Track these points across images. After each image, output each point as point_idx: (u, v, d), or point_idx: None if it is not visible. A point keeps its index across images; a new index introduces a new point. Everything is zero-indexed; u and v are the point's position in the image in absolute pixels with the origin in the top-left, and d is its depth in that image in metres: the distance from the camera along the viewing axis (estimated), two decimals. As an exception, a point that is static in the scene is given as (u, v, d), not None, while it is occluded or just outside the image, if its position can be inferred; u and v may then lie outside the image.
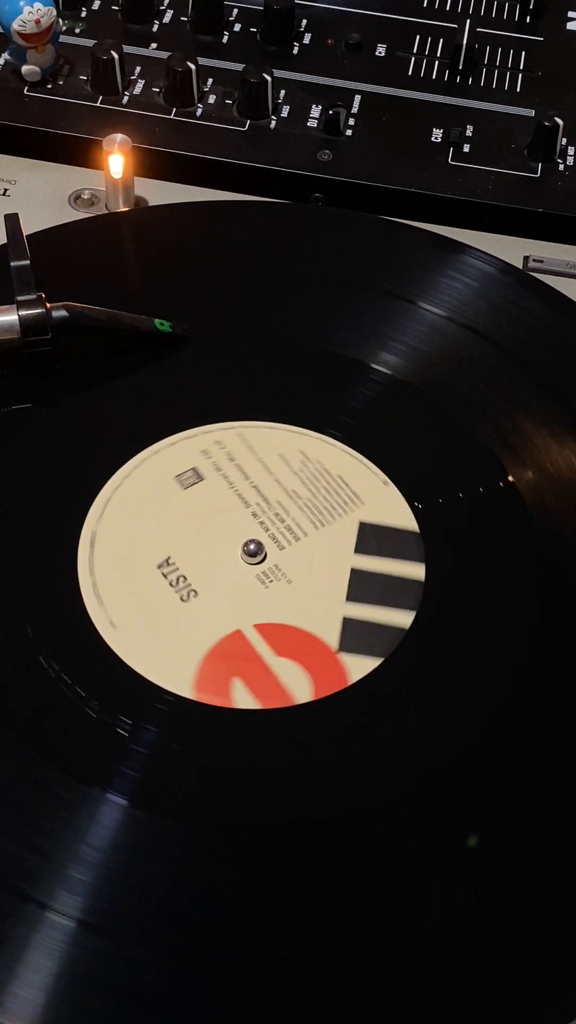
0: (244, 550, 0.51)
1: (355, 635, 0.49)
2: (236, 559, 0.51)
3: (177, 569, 0.51)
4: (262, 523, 0.52)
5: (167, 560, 0.51)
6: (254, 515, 0.52)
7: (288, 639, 0.49)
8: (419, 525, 0.52)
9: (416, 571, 0.50)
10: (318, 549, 0.52)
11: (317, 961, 0.42)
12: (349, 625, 0.49)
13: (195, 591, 0.50)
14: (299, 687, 0.48)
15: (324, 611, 0.50)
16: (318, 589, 0.51)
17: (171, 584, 0.50)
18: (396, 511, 0.53)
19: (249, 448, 0.54)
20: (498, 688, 0.48)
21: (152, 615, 0.50)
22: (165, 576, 0.50)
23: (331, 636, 0.49)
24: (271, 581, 0.51)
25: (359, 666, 0.48)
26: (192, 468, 0.53)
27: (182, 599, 0.50)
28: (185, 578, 0.50)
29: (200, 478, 0.53)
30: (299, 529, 0.52)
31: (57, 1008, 0.40)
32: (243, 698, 0.47)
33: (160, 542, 0.52)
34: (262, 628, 0.49)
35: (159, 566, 0.51)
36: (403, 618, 0.49)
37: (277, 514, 0.52)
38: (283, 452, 0.54)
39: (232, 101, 0.71)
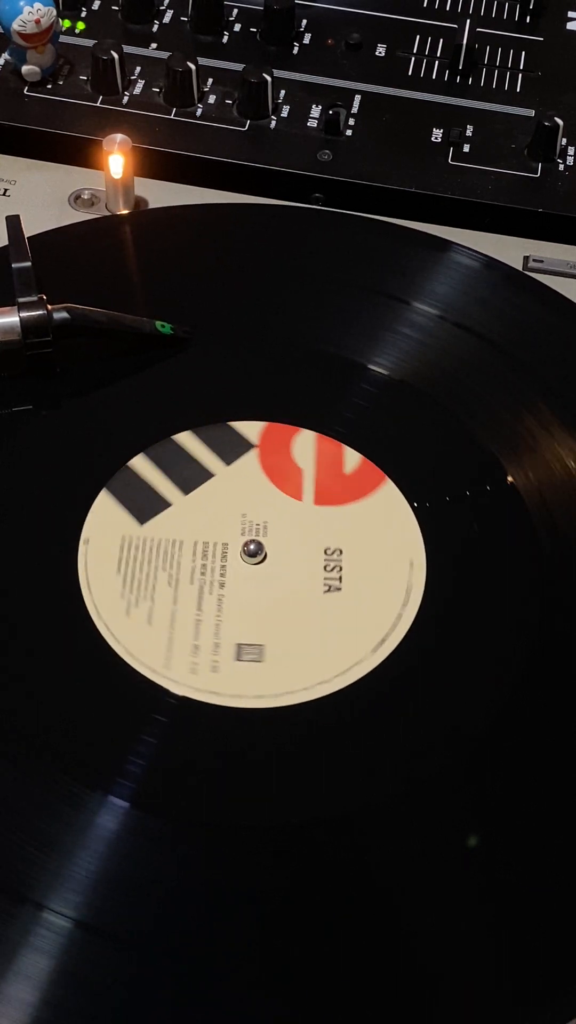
0: (244, 549, 0.51)
1: None
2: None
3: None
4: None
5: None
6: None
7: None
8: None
9: None
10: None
11: (317, 961, 0.42)
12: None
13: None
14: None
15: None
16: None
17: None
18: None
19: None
20: (498, 688, 0.48)
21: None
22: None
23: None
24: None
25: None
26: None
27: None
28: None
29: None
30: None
31: (54, 1009, 0.40)
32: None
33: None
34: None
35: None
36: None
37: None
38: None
39: (232, 101, 0.71)
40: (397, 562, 0.52)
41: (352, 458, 0.54)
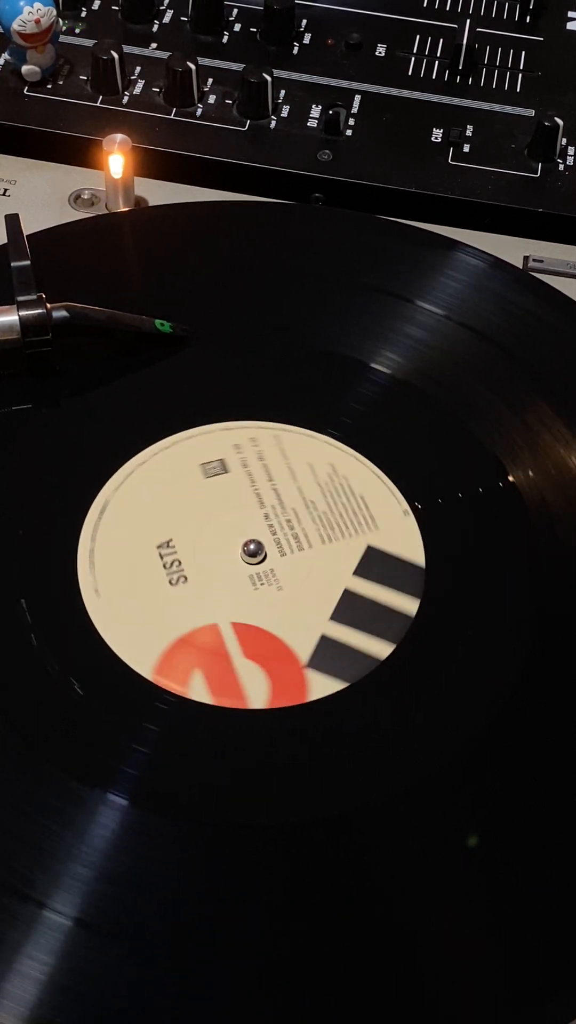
0: (244, 549, 0.51)
1: (327, 655, 0.49)
2: (235, 556, 0.51)
3: (175, 553, 0.51)
4: (271, 526, 0.52)
5: (168, 542, 0.51)
6: (266, 516, 0.52)
7: (260, 643, 0.49)
8: (425, 562, 0.51)
9: (409, 605, 0.50)
10: (318, 563, 0.51)
11: (317, 961, 0.42)
12: (325, 643, 0.49)
13: (185, 577, 0.50)
14: (256, 692, 0.47)
15: (305, 624, 0.49)
16: (306, 602, 0.50)
17: (164, 566, 0.50)
18: (408, 542, 0.52)
19: (281, 451, 0.54)
20: (498, 688, 0.48)
21: (138, 591, 0.50)
22: (161, 557, 0.50)
23: (304, 650, 0.49)
24: (262, 584, 0.51)
25: (321, 686, 0.48)
26: (220, 459, 0.53)
27: (171, 583, 0.50)
28: (180, 563, 0.50)
29: (225, 470, 0.53)
30: (305, 539, 0.52)
31: (55, 1008, 0.40)
32: (198, 690, 0.47)
33: (167, 523, 0.52)
34: (239, 627, 0.49)
35: (159, 546, 0.51)
36: (381, 648, 0.49)
37: (288, 520, 0.52)
38: (313, 461, 0.54)
39: (232, 101, 0.71)
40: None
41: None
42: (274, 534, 0.52)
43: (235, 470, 0.54)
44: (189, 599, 0.50)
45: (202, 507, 0.53)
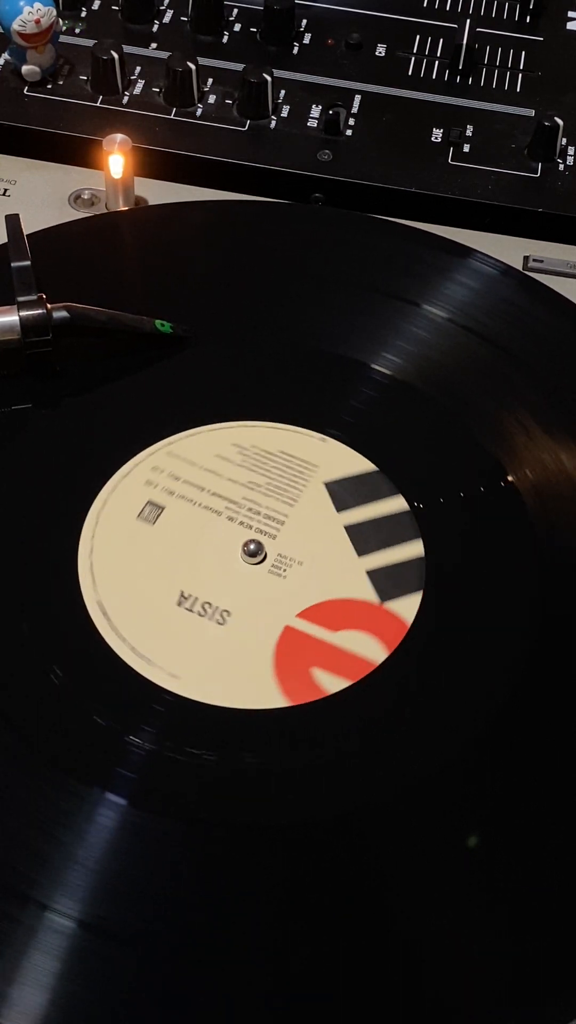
0: (244, 552, 0.51)
1: (387, 582, 0.50)
2: (242, 565, 0.51)
3: (197, 599, 0.50)
4: (242, 523, 0.52)
5: (182, 595, 0.50)
6: (231, 519, 0.52)
7: (335, 613, 0.50)
8: (377, 466, 0.54)
9: (398, 504, 0.52)
10: (305, 524, 0.52)
11: (317, 961, 0.42)
12: (376, 575, 0.50)
13: (227, 611, 0.50)
14: (370, 649, 0.49)
15: (347, 575, 0.51)
16: (329, 558, 0.51)
17: (200, 614, 0.50)
18: (347, 460, 0.54)
19: (186, 461, 0.54)
20: (498, 688, 0.48)
21: (202, 651, 0.49)
22: (191, 610, 0.50)
23: (367, 593, 0.50)
24: (285, 569, 0.51)
25: (408, 606, 0.49)
26: (147, 502, 0.53)
27: (219, 623, 0.50)
28: (210, 604, 0.50)
29: (160, 508, 0.53)
30: (277, 514, 0.52)
31: (57, 1009, 0.40)
32: (330, 682, 0.48)
33: (165, 582, 0.51)
34: (306, 614, 0.50)
35: (178, 603, 0.50)
36: (414, 548, 0.51)
37: (250, 509, 0.53)
38: (218, 451, 0.54)
39: (232, 101, 0.71)
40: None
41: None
42: (251, 527, 0.52)
43: (168, 502, 0.53)
44: (246, 626, 0.50)
45: (177, 550, 0.52)
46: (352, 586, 0.50)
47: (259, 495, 0.53)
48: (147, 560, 0.51)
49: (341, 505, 0.52)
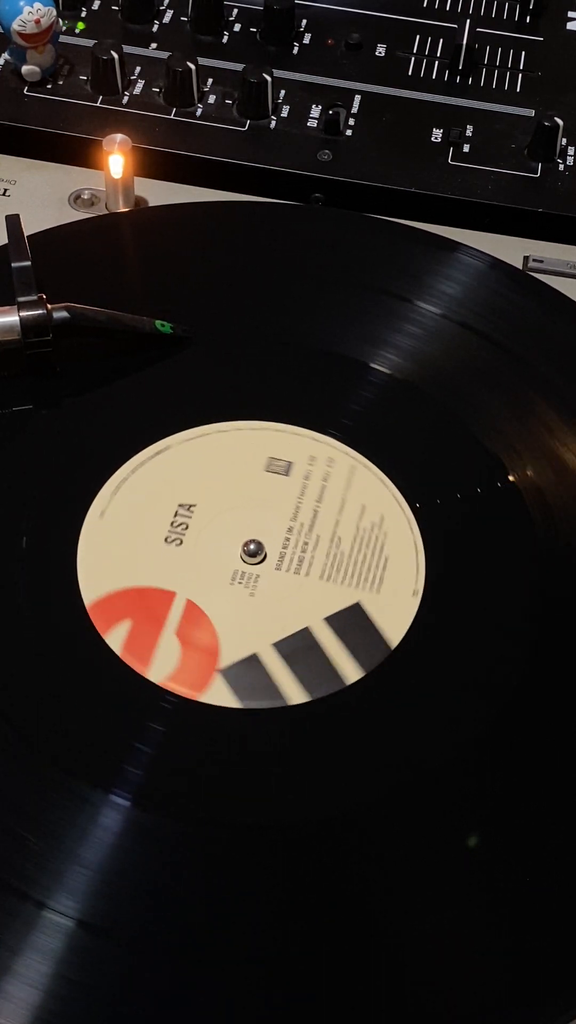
0: (244, 546, 0.51)
1: (246, 672, 0.48)
2: (235, 547, 0.51)
3: (189, 517, 0.52)
4: (287, 539, 0.52)
5: (190, 506, 0.52)
6: (289, 529, 0.52)
7: (197, 629, 0.49)
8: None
9: (350, 674, 0.48)
10: (302, 593, 0.50)
11: (317, 961, 0.42)
12: (251, 662, 0.48)
13: (180, 541, 0.51)
14: (160, 664, 0.48)
15: (248, 636, 0.49)
16: (264, 618, 0.50)
17: (171, 524, 0.51)
18: (395, 621, 0.50)
19: (347, 481, 0.54)
20: (499, 688, 0.48)
21: (139, 535, 0.51)
22: (176, 515, 0.52)
23: (229, 655, 0.49)
24: (239, 583, 0.51)
25: (218, 695, 0.47)
26: (290, 462, 0.54)
27: (166, 540, 0.51)
28: (186, 527, 0.52)
29: (286, 473, 0.53)
30: (309, 567, 0.51)
31: (57, 1009, 0.40)
32: (115, 637, 0.48)
33: (202, 489, 0.53)
34: (190, 606, 0.50)
35: (181, 504, 0.52)
36: (294, 693, 0.48)
37: (306, 543, 0.52)
38: (368, 504, 0.53)
39: (232, 101, 0.71)
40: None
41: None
42: (284, 548, 0.52)
43: (295, 477, 0.53)
44: (170, 561, 0.51)
45: (242, 492, 0.53)
46: (233, 641, 0.49)
47: (324, 548, 0.52)
48: (202, 475, 0.53)
49: (333, 621, 0.49)
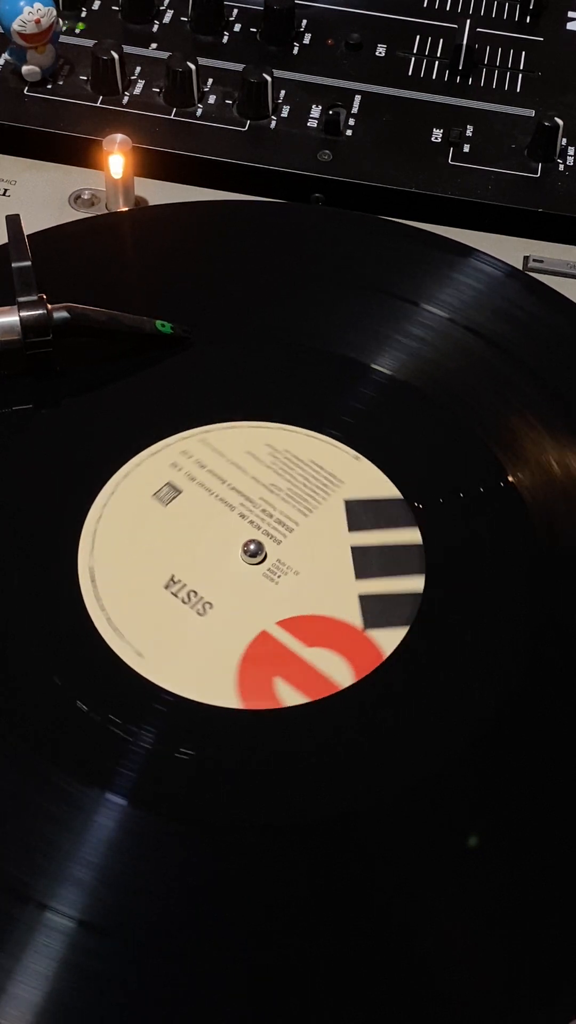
0: (244, 551, 0.51)
1: (375, 610, 0.50)
2: (239, 562, 0.51)
3: (185, 586, 0.50)
4: (251, 522, 0.52)
5: (172, 578, 0.51)
6: (242, 516, 0.52)
7: (314, 628, 0.49)
8: (401, 493, 0.53)
9: (412, 536, 0.51)
10: (313, 536, 0.52)
11: (317, 961, 0.42)
12: (366, 601, 0.50)
13: (209, 603, 0.50)
14: (339, 672, 0.48)
15: (338, 594, 0.50)
16: (326, 574, 0.51)
17: (183, 601, 0.50)
18: (375, 483, 0.53)
19: (216, 451, 0.54)
20: (499, 688, 0.48)
21: (174, 636, 0.49)
22: (176, 595, 0.50)
23: (353, 616, 0.50)
24: (279, 576, 0.51)
25: (389, 638, 0.49)
26: (167, 483, 0.53)
27: (199, 613, 0.50)
28: (196, 593, 0.50)
29: (177, 491, 0.53)
30: (289, 520, 0.52)
31: (56, 1009, 0.40)
32: (289, 695, 0.47)
33: (159, 562, 0.51)
34: (285, 623, 0.49)
35: (166, 586, 0.50)
36: (414, 583, 0.50)
37: (264, 510, 0.52)
38: (250, 448, 0.54)
39: (232, 101, 0.71)
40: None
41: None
42: (259, 528, 0.52)
43: (186, 487, 0.53)
44: (225, 621, 0.50)
45: (180, 535, 0.52)
46: (340, 606, 0.50)
47: (277, 499, 0.53)
48: (147, 539, 0.52)
49: (355, 525, 0.52)
